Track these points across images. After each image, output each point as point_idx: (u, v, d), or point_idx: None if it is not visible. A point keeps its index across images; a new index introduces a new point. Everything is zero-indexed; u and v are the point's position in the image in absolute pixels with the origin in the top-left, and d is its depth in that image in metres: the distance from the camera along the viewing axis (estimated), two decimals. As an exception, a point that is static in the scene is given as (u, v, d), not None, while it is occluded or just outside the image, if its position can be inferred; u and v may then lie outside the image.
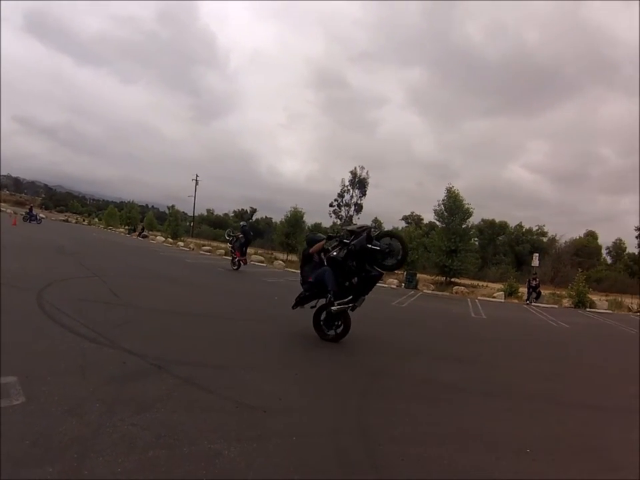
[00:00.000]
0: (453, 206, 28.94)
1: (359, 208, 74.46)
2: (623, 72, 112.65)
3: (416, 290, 23.61)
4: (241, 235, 19.34)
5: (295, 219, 37.23)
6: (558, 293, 27.69)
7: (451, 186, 30.05)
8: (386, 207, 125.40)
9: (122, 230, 53.02)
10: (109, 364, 4.49)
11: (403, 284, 25.24)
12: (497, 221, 64.37)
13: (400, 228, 50.65)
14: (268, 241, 53.90)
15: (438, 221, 31.60)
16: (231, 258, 20.05)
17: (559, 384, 6.42)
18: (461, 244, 27.66)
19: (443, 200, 30.00)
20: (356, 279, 6.82)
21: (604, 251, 63.65)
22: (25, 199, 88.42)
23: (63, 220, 61.98)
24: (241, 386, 4.45)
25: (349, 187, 74.55)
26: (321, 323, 7.11)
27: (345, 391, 4.73)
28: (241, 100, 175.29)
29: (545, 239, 61.75)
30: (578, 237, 61.20)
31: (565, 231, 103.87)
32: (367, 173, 74.20)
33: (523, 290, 24.80)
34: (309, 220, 53.85)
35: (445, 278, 28.60)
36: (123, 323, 6.38)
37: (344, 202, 74.68)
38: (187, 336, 6.32)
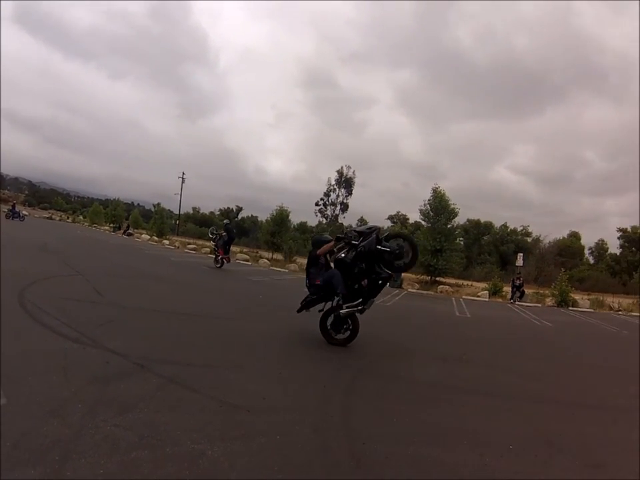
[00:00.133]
0: (439, 206, 29.12)
1: (344, 207, 74.93)
2: (610, 79, 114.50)
3: (401, 289, 23.69)
4: (224, 233, 19.29)
5: (281, 217, 37.10)
6: (541, 292, 27.98)
7: (436, 186, 30.25)
8: (372, 207, 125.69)
9: (107, 228, 52.40)
10: (91, 364, 4.45)
11: (389, 283, 25.20)
12: (482, 221, 65.03)
13: (385, 227, 50.75)
14: (253, 239, 53.76)
15: (423, 220, 31.79)
16: (214, 256, 19.98)
17: (542, 382, 6.48)
18: (446, 243, 27.82)
19: (428, 200, 30.18)
20: (366, 281, 6.72)
21: (586, 252, 64.86)
22: (7, 196, 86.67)
23: (47, 217, 61.08)
24: (225, 385, 4.44)
25: (335, 186, 74.95)
26: (328, 326, 6.94)
27: (328, 390, 4.74)
28: (229, 98, 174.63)
29: (529, 239, 62.51)
30: (561, 238, 62.20)
31: (549, 231, 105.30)
32: (353, 172, 74.67)
33: (507, 289, 25.07)
34: (295, 219, 53.92)
35: (429, 277, 28.75)
36: (106, 322, 6.32)
37: (330, 201, 75.07)
38: (171, 335, 6.28)
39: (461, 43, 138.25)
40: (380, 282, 6.83)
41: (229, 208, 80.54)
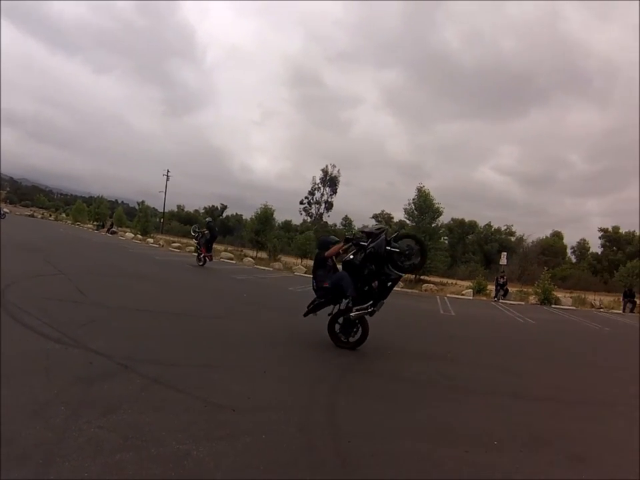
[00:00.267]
0: (423, 205, 29.33)
1: (329, 206, 75.20)
2: (594, 83, 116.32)
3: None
4: (207, 231, 19.20)
5: (265, 216, 37.06)
6: (525, 290, 28.37)
7: (421, 185, 30.45)
8: (356, 205, 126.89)
9: (90, 226, 51.70)
10: (74, 365, 4.40)
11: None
12: (466, 220, 65.50)
13: (370, 226, 50.93)
14: (238, 238, 53.53)
15: (408, 219, 32.00)
16: (196, 254, 19.90)
17: (526, 379, 6.59)
18: (430, 242, 27.94)
19: (413, 199, 30.38)
20: (376, 282, 6.65)
21: (569, 251, 65.94)
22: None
23: (29, 215, 59.98)
24: (210, 385, 4.43)
25: (320, 185, 75.07)
26: (337, 330, 6.84)
27: (313, 389, 4.75)
28: (215, 96, 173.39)
29: (512, 239, 63.17)
30: (544, 237, 63.11)
31: (532, 231, 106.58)
32: (338, 171, 75.02)
33: (491, 287, 25.33)
34: (279, 217, 53.81)
35: (414, 275, 28.91)
36: (89, 322, 6.24)
37: (314, 200, 75.19)
38: (155, 335, 6.23)
39: (449, 44, 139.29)
40: (389, 283, 6.76)
41: (213, 206, 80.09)
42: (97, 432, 3.04)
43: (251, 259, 29.76)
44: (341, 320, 6.81)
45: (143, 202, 57.37)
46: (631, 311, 24.51)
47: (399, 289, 23.54)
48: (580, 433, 4.39)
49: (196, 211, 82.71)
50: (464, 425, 4.25)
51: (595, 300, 28.02)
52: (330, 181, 75.44)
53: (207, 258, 19.12)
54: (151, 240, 38.10)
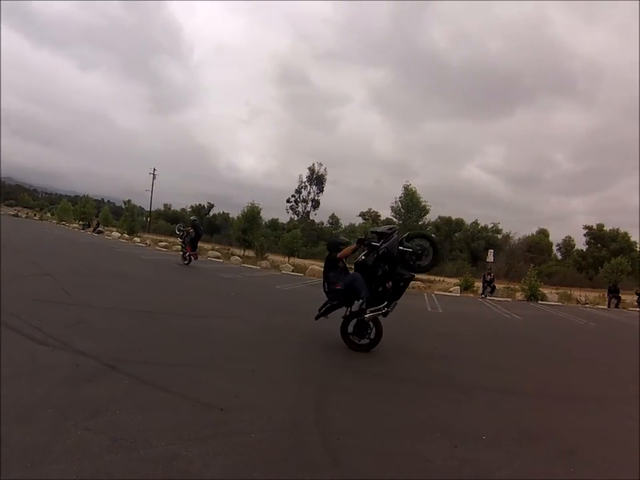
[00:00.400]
0: (410, 203, 29.48)
1: (316, 204, 75.29)
2: (579, 84, 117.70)
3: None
4: (192, 230, 19.10)
5: (252, 214, 36.96)
6: (511, 286, 28.63)
7: (408, 183, 30.60)
8: (343, 204, 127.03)
9: (76, 225, 51.10)
10: (60, 366, 4.36)
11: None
12: (453, 218, 66.01)
13: (357, 224, 51.08)
14: (225, 236, 53.38)
15: (395, 217, 32.11)
16: (182, 253, 19.81)
17: (513, 374, 6.67)
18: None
19: (400, 197, 30.52)
20: (390, 283, 6.59)
21: (554, 248, 66.91)
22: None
23: (13, 215, 59.11)
24: (198, 384, 4.42)
25: (307, 184, 75.14)
26: (350, 332, 6.74)
27: (302, 387, 4.76)
28: (202, 93, 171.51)
29: (499, 236, 63.91)
30: (530, 235, 63.89)
31: (518, 228, 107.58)
32: (325, 169, 75.19)
33: (478, 284, 25.52)
34: (266, 216, 53.75)
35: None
36: (75, 323, 6.19)
37: (301, 198, 75.27)
38: (142, 334, 6.20)
39: (436, 44, 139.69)
40: (402, 284, 6.70)
41: (200, 205, 79.74)
42: (84, 434, 3.02)
43: (238, 257, 29.65)
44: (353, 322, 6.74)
45: (129, 201, 56.81)
46: (616, 306, 24.92)
47: (387, 286, 23.59)
48: (568, 428, 4.44)
49: (183, 209, 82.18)
50: (452, 421, 4.28)
51: (580, 296, 28.44)
52: (317, 180, 75.61)
53: (192, 256, 19.02)
54: (137, 239, 37.83)
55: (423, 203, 29.66)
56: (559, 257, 65.01)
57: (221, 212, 79.64)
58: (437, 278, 34.75)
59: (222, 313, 9.11)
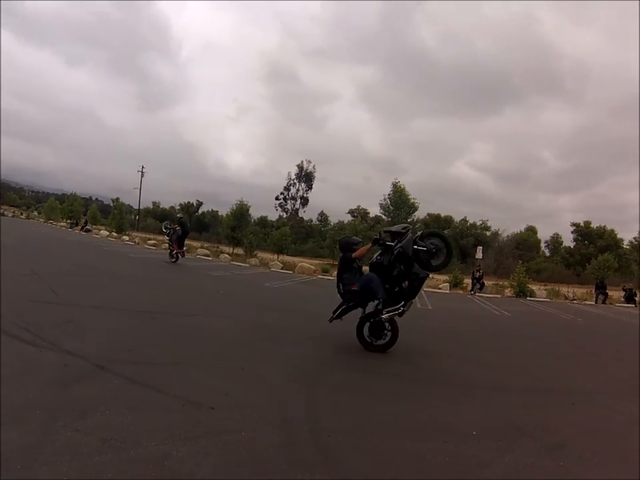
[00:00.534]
0: (399, 200, 29.68)
1: (304, 201, 75.33)
2: (566, 84, 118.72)
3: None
4: (179, 228, 19.05)
5: (241, 212, 37.02)
6: (500, 283, 28.88)
7: (396, 181, 30.76)
8: (332, 201, 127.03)
9: (63, 224, 50.67)
10: (49, 367, 4.32)
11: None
12: (442, 215, 66.40)
13: (346, 221, 51.21)
14: (214, 234, 53.24)
15: (384, 214, 32.30)
16: (169, 250, 19.73)
17: (502, 370, 6.74)
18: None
19: (388, 194, 30.66)
20: (406, 282, 6.55)
21: (543, 245, 67.87)
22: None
23: (-2, 213, 58.62)
24: (188, 383, 4.40)
25: (295, 181, 75.13)
26: (366, 334, 6.68)
27: (292, 384, 4.77)
28: (190, 91, 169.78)
29: (488, 233, 64.39)
30: (519, 232, 64.71)
31: (507, 225, 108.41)
32: (313, 167, 75.16)
33: (468, 281, 25.68)
34: (255, 213, 53.68)
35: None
36: (63, 323, 6.14)
37: (290, 195, 75.25)
38: (131, 334, 6.16)
39: (425, 43, 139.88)
40: (417, 283, 6.67)
41: (189, 202, 79.26)
42: (74, 435, 3.00)
43: (227, 255, 29.65)
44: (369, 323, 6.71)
45: (117, 199, 56.66)
46: (603, 302, 25.23)
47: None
48: (558, 422, 4.48)
49: (172, 207, 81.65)
50: (442, 417, 4.31)
51: (568, 292, 28.77)
52: (305, 177, 75.54)
53: (179, 254, 18.99)
54: (126, 237, 37.62)
55: (412, 200, 29.86)
56: (547, 254, 65.82)
57: (210, 210, 79.37)
58: (427, 275, 34.90)
59: (211, 311, 9.09)
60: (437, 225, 64.53)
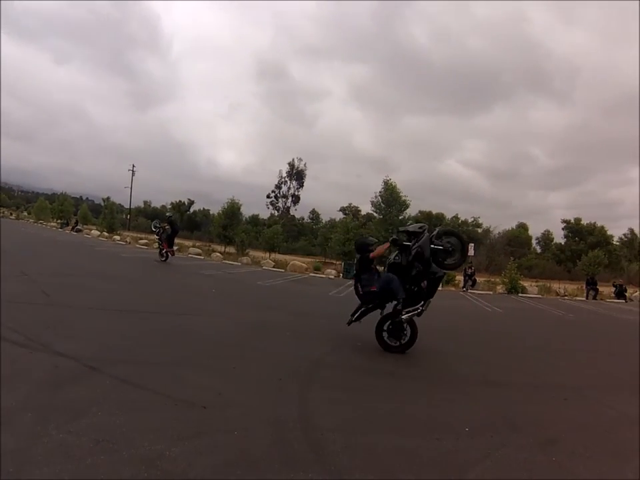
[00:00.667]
0: (390, 198, 29.69)
1: (296, 199, 75.37)
2: (555, 83, 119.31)
3: (353, 279, 23.91)
4: (168, 226, 18.98)
5: (232, 210, 36.97)
6: (492, 280, 29.07)
7: (388, 178, 30.77)
8: (323, 199, 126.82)
9: (54, 224, 50.26)
10: (40, 369, 4.29)
11: (341, 274, 25.62)
12: (434, 212, 66.48)
13: (338, 219, 51.29)
14: (205, 233, 53.15)
15: (375, 212, 32.34)
16: (158, 249, 19.68)
17: (495, 365, 6.80)
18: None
19: (380, 192, 30.68)
20: (425, 282, 6.57)
21: (534, 241, 68.39)
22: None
23: (-13, 214, 58.05)
24: (180, 383, 4.40)
25: (287, 179, 75.11)
26: (385, 335, 6.68)
27: (284, 383, 4.77)
28: (181, 88, 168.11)
29: (479, 230, 64.54)
30: (510, 229, 65.17)
31: (498, 222, 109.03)
32: (304, 164, 75.14)
33: (460, 278, 25.81)
34: (247, 212, 53.57)
35: (382, 267, 29.16)
36: (54, 324, 6.10)
37: (281, 193, 75.24)
38: (122, 334, 6.13)
39: (417, 41, 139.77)
40: (434, 282, 6.69)
41: (180, 201, 78.89)
42: (66, 437, 2.99)
43: (219, 254, 29.57)
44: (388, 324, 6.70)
45: (108, 198, 56.40)
46: (594, 298, 25.46)
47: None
48: (550, 418, 4.53)
49: (163, 206, 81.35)
50: (435, 413, 4.35)
51: (559, 288, 28.99)
52: (297, 175, 75.60)
53: (168, 253, 18.93)
54: (117, 237, 37.42)
55: (403, 198, 29.90)
56: (539, 251, 66.31)
57: (202, 208, 79.04)
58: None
59: (203, 310, 9.07)
60: (429, 223, 64.69)
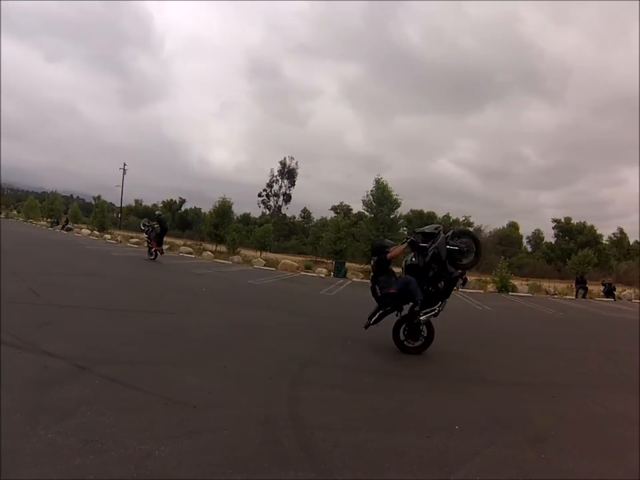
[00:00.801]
0: (382, 196, 29.73)
1: (287, 198, 75.32)
2: (547, 83, 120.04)
3: (345, 278, 24.01)
4: (157, 225, 18.92)
5: (223, 209, 36.87)
6: (483, 278, 29.11)
7: (379, 177, 30.81)
8: (315, 198, 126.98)
9: (44, 223, 49.83)
10: (28, 369, 4.27)
11: (332, 273, 25.65)
12: (425, 211, 66.70)
13: (329, 218, 51.29)
14: (197, 231, 52.99)
15: (366, 211, 32.38)
16: (147, 248, 19.59)
17: (485, 364, 6.84)
18: (389, 233, 28.17)
19: (371, 191, 30.72)
20: (442, 282, 6.61)
21: (524, 240, 68.93)
22: None
23: (-25, 213, 57.41)
24: (169, 382, 4.39)
25: (278, 177, 75.09)
26: (402, 336, 6.71)
27: (274, 382, 4.77)
28: (173, 87, 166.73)
29: (471, 229, 64.79)
30: (501, 228, 65.63)
31: (489, 221, 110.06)
32: (296, 163, 75.18)
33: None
34: (238, 210, 53.52)
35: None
36: (43, 323, 6.07)
37: (273, 192, 75.17)
38: (112, 333, 6.11)
39: (409, 41, 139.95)
40: (451, 282, 6.73)
41: (172, 200, 78.60)
42: (55, 437, 2.97)
43: (210, 252, 29.48)
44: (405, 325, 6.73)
45: (99, 197, 56.01)
46: (583, 296, 25.69)
47: (358, 280, 23.80)
48: (539, 415, 4.57)
49: (154, 205, 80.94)
50: (424, 411, 4.38)
51: (549, 287, 29.19)
52: (288, 173, 75.51)
53: (158, 252, 18.87)
54: (108, 236, 37.11)
55: (395, 196, 29.96)
56: (529, 250, 66.82)
57: (193, 207, 78.80)
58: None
59: (193, 309, 9.04)
60: (420, 221, 64.94)
